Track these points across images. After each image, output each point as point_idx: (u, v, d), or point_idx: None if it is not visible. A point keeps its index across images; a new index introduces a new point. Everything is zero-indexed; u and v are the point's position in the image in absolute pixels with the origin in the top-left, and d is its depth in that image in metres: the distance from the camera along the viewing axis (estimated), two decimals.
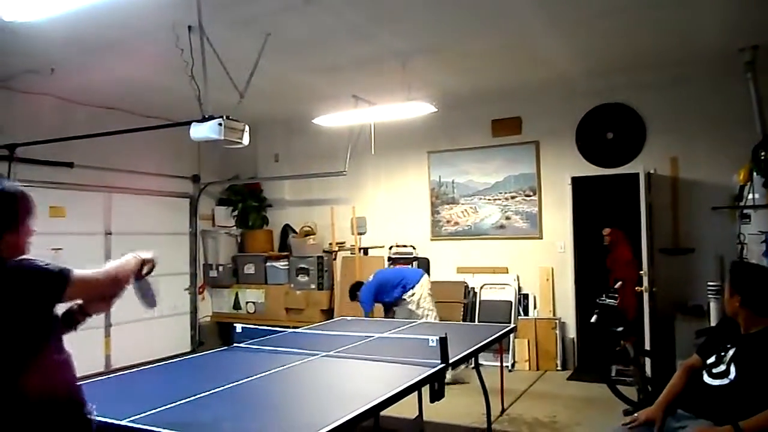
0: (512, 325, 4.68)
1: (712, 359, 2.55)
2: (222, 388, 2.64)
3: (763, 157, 4.42)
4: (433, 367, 2.88)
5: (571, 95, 5.97)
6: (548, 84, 5.86)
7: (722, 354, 2.51)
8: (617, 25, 4.36)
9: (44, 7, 3.21)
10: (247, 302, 7.31)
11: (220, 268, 7.38)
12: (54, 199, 5.73)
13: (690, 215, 5.52)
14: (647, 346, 4.90)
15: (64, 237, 5.75)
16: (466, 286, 6.39)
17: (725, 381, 2.43)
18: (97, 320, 5.95)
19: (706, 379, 2.52)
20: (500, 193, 6.42)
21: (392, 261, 6.62)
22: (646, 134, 5.72)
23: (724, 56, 4.90)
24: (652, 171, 5.45)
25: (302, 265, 7.01)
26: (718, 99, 5.30)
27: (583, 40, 4.71)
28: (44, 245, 5.57)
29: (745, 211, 4.69)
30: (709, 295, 4.65)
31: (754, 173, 4.53)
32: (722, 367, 2.47)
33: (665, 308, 5.23)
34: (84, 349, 6.27)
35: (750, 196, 4.64)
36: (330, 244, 6.99)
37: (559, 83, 5.84)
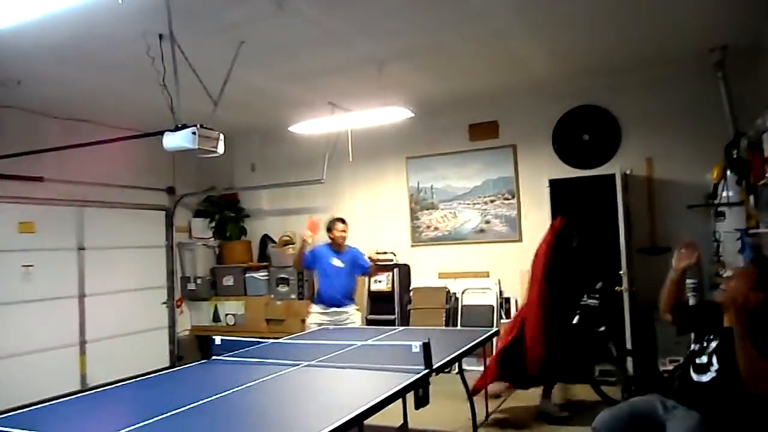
0: (495, 329, 4.66)
1: (695, 347, 2.57)
2: (201, 402, 2.57)
3: (735, 156, 4.48)
4: (417, 374, 2.85)
5: (546, 98, 6.01)
6: (524, 87, 5.90)
7: (704, 345, 2.53)
8: (591, 28, 4.41)
9: (9, 15, 3.11)
10: (226, 314, 7.20)
11: (198, 281, 7.26)
12: (23, 215, 5.58)
13: (666, 214, 5.58)
14: (629, 346, 4.93)
15: (34, 253, 5.62)
16: (448, 292, 6.38)
17: (708, 376, 2.45)
18: (71, 337, 5.86)
19: (692, 373, 2.53)
20: (479, 197, 6.43)
21: None
22: (621, 135, 5.78)
23: (696, 57, 4.98)
24: (628, 172, 5.51)
25: (282, 275, 6.93)
26: (691, 99, 5.39)
27: (557, 44, 4.75)
28: (14, 262, 5.51)
29: (719, 209, 4.75)
30: (688, 293, 4.69)
31: (728, 171, 4.60)
32: (704, 359, 2.48)
33: (645, 307, 5.26)
34: (59, 367, 6.20)
35: (724, 194, 4.70)
36: None
37: (534, 86, 5.88)
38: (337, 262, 5.08)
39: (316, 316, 5.06)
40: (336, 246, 5.11)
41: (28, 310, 5.55)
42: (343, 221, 5.18)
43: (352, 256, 5.13)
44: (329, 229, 5.15)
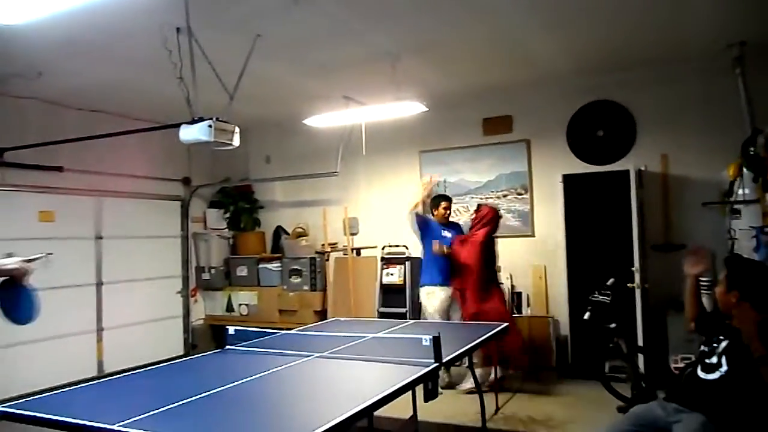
0: (505, 324, 4.67)
1: (704, 348, 2.58)
2: (215, 390, 2.62)
3: (752, 153, 4.43)
4: (427, 367, 2.88)
5: (561, 93, 5.98)
6: (538, 82, 5.88)
7: (714, 345, 2.53)
8: (606, 24, 4.38)
9: (30, 10, 3.18)
10: (240, 304, 7.28)
11: (213, 271, 7.34)
12: (43, 204, 5.69)
13: (681, 211, 5.54)
14: (640, 342, 4.92)
15: (53, 242, 5.70)
16: None
17: (717, 375, 2.45)
18: (89, 324, 5.97)
19: (699, 372, 2.53)
20: (492, 191, 6.43)
21: (385, 261, 6.60)
22: (636, 131, 5.74)
23: (713, 52, 4.93)
24: (642, 168, 5.47)
25: (295, 267, 6.99)
26: (708, 95, 5.33)
27: (572, 38, 4.72)
28: (34, 250, 5.57)
29: (735, 206, 4.71)
30: (701, 291, 4.66)
31: (744, 169, 4.55)
32: (714, 359, 2.49)
33: (657, 304, 5.24)
34: (76, 354, 6.32)
35: (740, 191, 4.66)
36: (322, 245, 6.96)
37: (549, 81, 5.85)
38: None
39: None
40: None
41: (47, 297, 5.56)
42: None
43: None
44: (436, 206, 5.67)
